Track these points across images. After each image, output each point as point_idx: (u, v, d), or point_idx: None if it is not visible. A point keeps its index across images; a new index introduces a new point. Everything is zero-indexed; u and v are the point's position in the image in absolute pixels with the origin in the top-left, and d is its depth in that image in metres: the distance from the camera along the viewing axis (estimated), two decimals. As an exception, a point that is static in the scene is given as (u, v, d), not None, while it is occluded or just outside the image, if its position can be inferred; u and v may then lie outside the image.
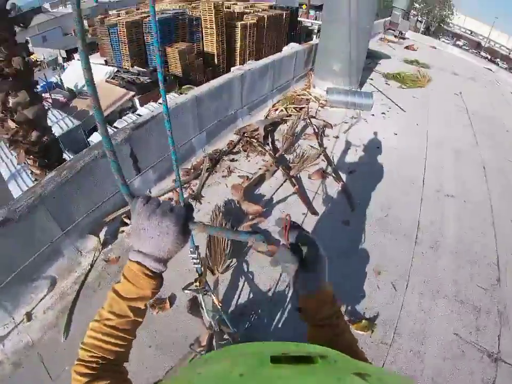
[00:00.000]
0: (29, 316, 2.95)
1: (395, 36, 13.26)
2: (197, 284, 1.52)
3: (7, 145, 5.75)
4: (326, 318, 0.84)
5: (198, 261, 1.46)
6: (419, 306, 2.95)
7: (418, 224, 3.78)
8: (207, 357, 0.63)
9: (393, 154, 4.96)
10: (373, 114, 6.06)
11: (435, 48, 13.36)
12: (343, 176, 4.34)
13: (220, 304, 1.76)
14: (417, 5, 32.47)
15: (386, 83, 7.78)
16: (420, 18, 32.55)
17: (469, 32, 40.35)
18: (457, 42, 36.51)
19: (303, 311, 0.87)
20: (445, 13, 35.34)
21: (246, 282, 3.11)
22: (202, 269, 1.48)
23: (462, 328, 2.80)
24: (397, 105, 6.54)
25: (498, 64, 21.90)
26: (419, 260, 3.37)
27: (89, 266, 3.26)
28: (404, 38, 13.31)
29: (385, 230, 3.67)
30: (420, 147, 5.28)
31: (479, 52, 34.78)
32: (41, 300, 3.06)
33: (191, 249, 1.42)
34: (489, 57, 32.26)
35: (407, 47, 11.82)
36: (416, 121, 6.09)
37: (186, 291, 1.47)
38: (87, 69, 0.70)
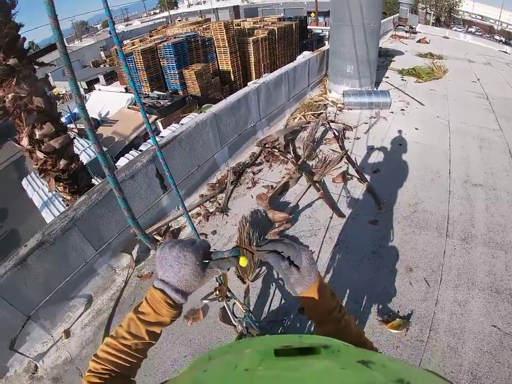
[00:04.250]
0: (67, 333, 3.08)
1: (406, 31, 13.17)
2: (217, 292, 1.56)
3: (37, 174, 6.08)
4: (328, 313, 0.87)
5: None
6: (454, 300, 2.88)
7: (447, 217, 3.74)
8: (212, 354, 0.64)
9: (416, 149, 4.94)
10: (392, 112, 6.05)
11: (447, 38, 13.17)
12: (368, 176, 4.36)
13: (245, 308, 1.80)
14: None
15: (402, 79, 7.75)
16: (428, 10, 32.04)
17: (480, 18, 39.26)
18: (470, 29, 35.55)
19: (305, 308, 0.90)
20: (452, 1, 34.69)
21: (276, 289, 3.15)
22: (222, 278, 1.51)
23: (499, 319, 2.72)
24: (415, 99, 6.50)
25: (514, 45, 21.14)
26: (451, 253, 3.32)
27: (124, 283, 3.38)
28: (415, 32, 13.19)
29: (415, 226, 3.64)
30: (442, 139, 5.23)
31: (493, 36, 33.71)
32: (78, 317, 3.19)
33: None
34: (503, 39, 31.23)
35: (419, 41, 11.71)
36: (436, 113, 6.03)
37: (204, 301, 1.51)
38: (78, 94, 0.80)
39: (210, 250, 0.88)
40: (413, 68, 8.16)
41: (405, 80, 7.67)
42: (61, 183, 5.16)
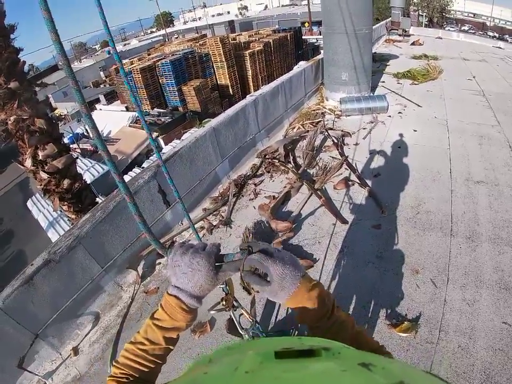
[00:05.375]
0: (75, 351, 3.09)
1: (399, 35, 13.29)
2: (223, 302, 1.48)
3: (42, 195, 6.13)
4: (315, 320, 0.83)
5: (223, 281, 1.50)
6: (462, 299, 2.85)
7: (451, 216, 3.73)
8: (212, 357, 0.63)
9: (416, 150, 4.96)
10: (390, 116, 6.10)
11: (441, 38, 13.26)
12: (369, 181, 4.38)
13: (252, 318, 1.79)
14: (415, 0, 32.38)
15: (398, 82, 7.81)
16: (420, 12, 32.30)
17: (472, 15, 39.52)
18: (463, 28, 35.76)
19: (295, 314, 0.87)
20: (444, 1, 34.99)
21: None
22: (228, 288, 1.48)
23: (510, 315, 2.68)
24: (412, 102, 6.55)
25: (508, 41, 21.20)
26: (457, 252, 3.30)
27: (130, 300, 3.39)
28: (408, 35, 13.31)
29: (418, 227, 3.63)
30: (441, 139, 5.25)
31: (486, 33, 33.91)
32: (86, 334, 3.21)
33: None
34: (497, 35, 31.34)
35: (413, 43, 11.79)
36: (434, 114, 6.07)
37: (211, 311, 1.50)
38: (84, 104, 0.83)
39: (221, 253, 0.89)
40: (408, 70, 8.22)
41: (401, 83, 7.73)
42: (65, 203, 5.23)
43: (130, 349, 0.84)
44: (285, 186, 4.35)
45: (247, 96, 5.60)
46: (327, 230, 3.71)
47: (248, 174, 4.88)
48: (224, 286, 1.37)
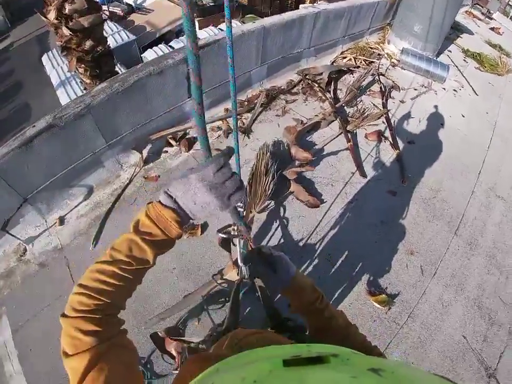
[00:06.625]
0: (61, 220, 3.05)
1: (482, 13, 11.98)
2: (235, 227, 1.39)
3: (59, 52, 5.53)
4: (309, 304, 0.97)
5: (243, 205, 1.30)
6: (440, 298, 2.88)
7: (462, 216, 3.56)
8: (220, 367, 0.59)
9: (456, 136, 4.60)
10: (444, 88, 5.57)
11: (525, 38, 12.05)
12: (400, 145, 4.06)
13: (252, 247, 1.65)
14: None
15: (464, 60, 7.10)
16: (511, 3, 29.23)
17: None
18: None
19: (290, 303, 1.01)
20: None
21: (279, 227, 3.05)
22: (245, 213, 1.33)
23: (471, 333, 2.73)
24: (471, 86, 5.99)
25: None
26: (454, 251, 3.23)
27: (128, 181, 3.27)
28: (490, 18, 12.00)
29: (429, 211, 3.49)
30: (484, 137, 4.87)
31: None
32: (76, 206, 3.15)
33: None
34: None
35: (492, 29, 10.67)
36: (486, 108, 5.58)
37: (220, 234, 1.33)
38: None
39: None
40: (478, 53, 7.45)
41: (466, 62, 7.02)
42: (83, 65, 4.71)
43: (108, 270, 0.69)
44: (317, 115, 3.98)
45: (304, 5, 4.90)
46: (343, 176, 3.48)
47: (282, 88, 4.43)
48: (241, 210, 1.31)
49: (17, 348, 2.43)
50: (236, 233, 1.42)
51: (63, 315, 0.65)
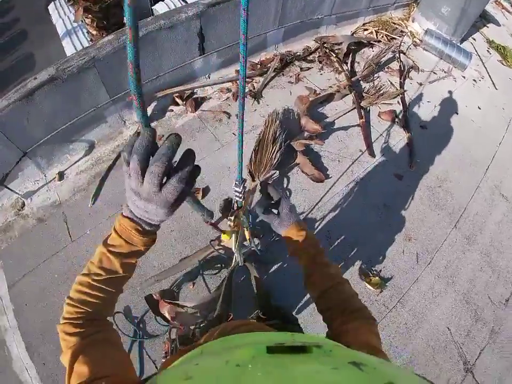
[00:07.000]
0: (61, 176, 2.99)
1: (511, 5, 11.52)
2: (231, 218, 1.33)
3: (66, 1, 5.20)
4: (304, 248, 1.02)
5: (241, 195, 1.21)
6: (431, 287, 2.88)
7: (464, 209, 3.49)
8: (204, 349, 0.63)
9: (470, 127, 4.45)
10: (464, 77, 5.36)
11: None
12: (412, 128, 3.91)
13: (249, 238, 1.60)
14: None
15: (487, 50, 6.83)
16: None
17: None
18: None
19: (287, 244, 1.07)
20: None
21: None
22: (243, 202, 1.29)
23: (456, 326, 2.75)
24: (491, 78, 5.78)
25: None
26: (451, 243, 3.19)
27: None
28: (519, 10, 11.56)
29: (432, 200, 3.41)
30: (498, 132, 4.72)
31: None
32: (76, 162, 3.07)
33: (237, 182, 1.15)
34: None
35: (520, 21, 10.28)
36: (504, 104, 5.40)
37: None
38: None
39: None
40: (503, 46, 7.16)
41: (490, 53, 6.77)
42: (90, 15, 4.46)
43: (85, 282, 0.74)
44: (331, 87, 3.79)
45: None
46: (351, 153, 3.37)
47: (298, 54, 4.19)
48: (240, 201, 1.28)
49: (13, 303, 2.43)
50: (231, 228, 1.41)
51: (58, 322, 0.73)
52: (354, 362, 0.42)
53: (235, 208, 1.33)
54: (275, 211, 1.08)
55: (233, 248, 1.62)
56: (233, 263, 2.03)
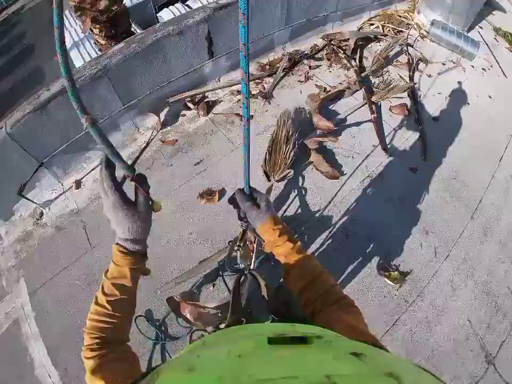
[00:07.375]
0: (78, 184, 3.04)
1: (517, -10, 11.36)
2: (240, 244, 1.54)
3: (73, 13, 5.26)
4: (282, 242, 1.02)
5: (246, 224, 1.27)
6: (450, 280, 2.85)
7: (480, 200, 3.46)
8: (206, 340, 0.64)
9: (482, 117, 4.41)
10: (473, 66, 5.31)
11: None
12: (424, 121, 3.90)
13: (252, 254, 1.72)
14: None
15: (495, 38, 6.75)
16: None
17: None
18: None
19: (264, 241, 1.09)
20: None
21: (297, 197, 2.99)
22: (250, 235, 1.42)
23: (477, 318, 2.71)
24: (500, 67, 5.72)
25: None
26: (468, 235, 3.15)
27: (145, 144, 3.22)
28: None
29: (449, 192, 3.39)
30: (509, 121, 4.66)
31: None
32: (92, 169, 3.11)
33: (241, 215, 1.17)
34: None
35: (526, 6, 10.13)
36: (514, 91, 5.36)
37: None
38: None
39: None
40: (511, 32, 7.07)
41: (497, 41, 6.69)
42: (98, 25, 4.46)
43: (93, 309, 0.84)
44: (341, 83, 3.80)
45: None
46: (364, 148, 3.38)
47: (306, 52, 4.21)
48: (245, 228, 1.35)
49: (34, 310, 2.49)
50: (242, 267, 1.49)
51: (80, 328, 0.87)
52: (355, 352, 0.42)
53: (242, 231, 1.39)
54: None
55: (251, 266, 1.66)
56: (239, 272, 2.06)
